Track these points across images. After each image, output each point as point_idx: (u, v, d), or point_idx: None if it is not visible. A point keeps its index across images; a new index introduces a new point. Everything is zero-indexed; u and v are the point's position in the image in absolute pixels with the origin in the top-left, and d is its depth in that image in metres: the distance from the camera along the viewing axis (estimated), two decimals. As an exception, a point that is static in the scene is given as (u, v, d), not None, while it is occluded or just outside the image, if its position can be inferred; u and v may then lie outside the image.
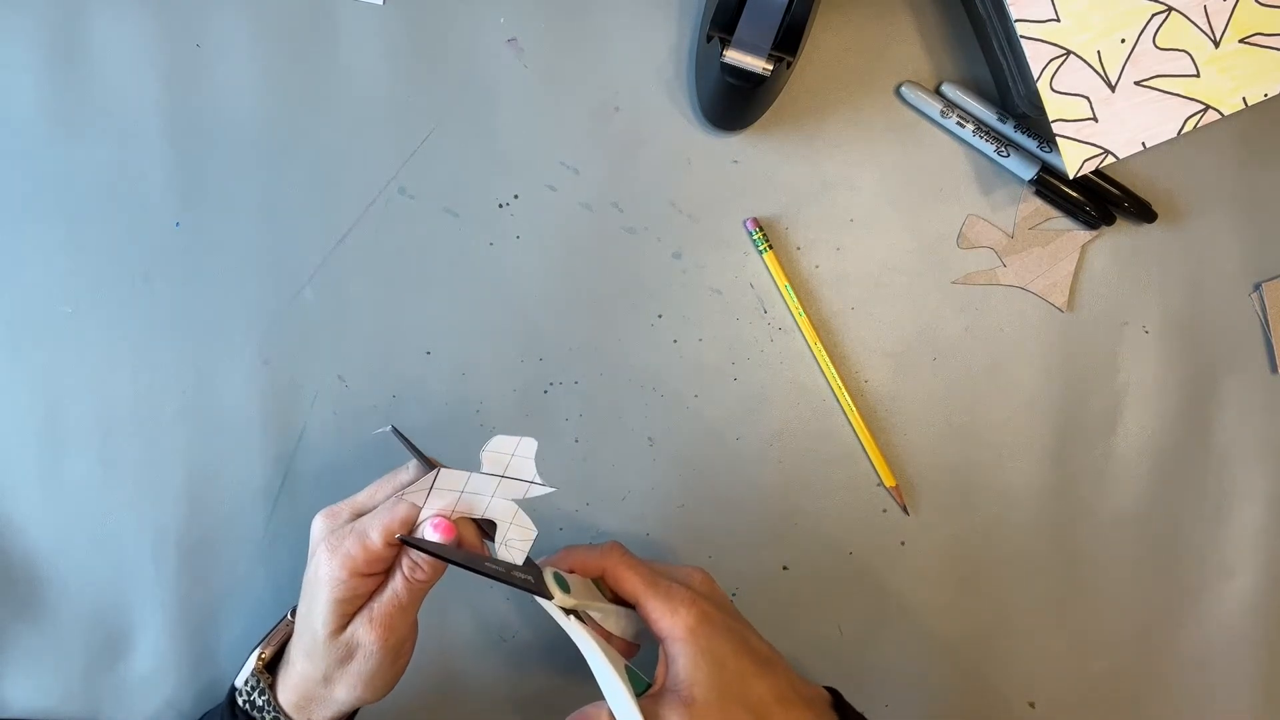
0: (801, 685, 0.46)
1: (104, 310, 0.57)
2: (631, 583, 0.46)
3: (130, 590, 0.57)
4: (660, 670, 0.44)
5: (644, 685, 0.44)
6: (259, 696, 0.47)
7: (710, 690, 0.42)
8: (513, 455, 0.45)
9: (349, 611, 0.45)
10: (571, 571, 0.47)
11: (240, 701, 0.48)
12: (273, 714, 0.47)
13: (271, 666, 0.49)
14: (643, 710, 0.42)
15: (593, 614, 0.47)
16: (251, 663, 0.49)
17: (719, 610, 0.46)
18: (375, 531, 0.43)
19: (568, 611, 0.45)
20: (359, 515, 0.46)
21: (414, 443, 0.46)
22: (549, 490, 0.45)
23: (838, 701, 0.47)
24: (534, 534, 0.46)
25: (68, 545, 0.57)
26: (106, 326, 0.57)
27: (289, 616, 0.49)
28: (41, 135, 0.56)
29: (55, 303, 0.57)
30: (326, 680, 0.46)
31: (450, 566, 0.44)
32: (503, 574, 0.44)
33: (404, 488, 0.45)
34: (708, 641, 0.44)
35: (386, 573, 0.46)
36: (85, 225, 0.57)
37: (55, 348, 0.57)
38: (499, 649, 0.58)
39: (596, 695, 0.44)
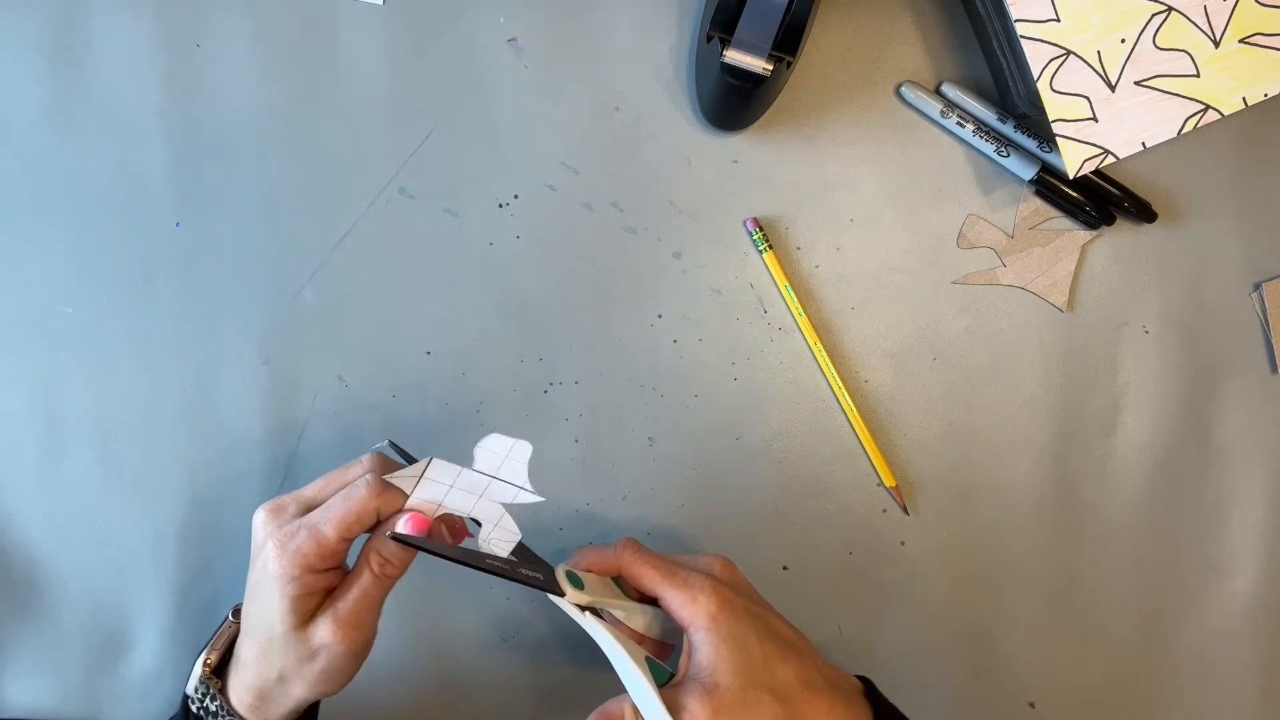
0: (830, 671, 0.45)
1: (104, 310, 0.57)
2: (648, 575, 0.45)
3: (130, 590, 0.57)
4: (683, 660, 0.44)
5: (666, 676, 0.44)
6: (210, 702, 0.46)
7: (734, 676, 0.42)
8: (506, 457, 0.44)
9: (308, 607, 0.44)
10: (588, 571, 0.47)
11: (194, 709, 0.47)
12: (226, 718, 0.46)
13: (220, 670, 0.48)
14: (665, 700, 0.41)
15: (615, 613, 0.47)
16: (198, 669, 0.47)
17: (741, 596, 0.45)
18: (329, 526, 0.43)
19: (583, 609, 0.44)
20: (306, 509, 0.45)
21: (413, 456, 0.46)
22: (538, 500, 0.44)
23: (870, 690, 0.46)
24: (517, 537, 0.45)
25: (68, 545, 0.57)
26: (106, 326, 0.57)
27: (230, 618, 0.49)
28: (41, 135, 0.56)
29: (55, 303, 0.57)
30: (283, 678, 0.45)
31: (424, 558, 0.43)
32: (508, 571, 0.43)
33: (351, 483, 0.44)
34: (730, 627, 0.43)
35: (340, 567, 0.45)
36: (85, 225, 0.57)
37: (55, 348, 0.57)
38: (500, 649, 0.58)
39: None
